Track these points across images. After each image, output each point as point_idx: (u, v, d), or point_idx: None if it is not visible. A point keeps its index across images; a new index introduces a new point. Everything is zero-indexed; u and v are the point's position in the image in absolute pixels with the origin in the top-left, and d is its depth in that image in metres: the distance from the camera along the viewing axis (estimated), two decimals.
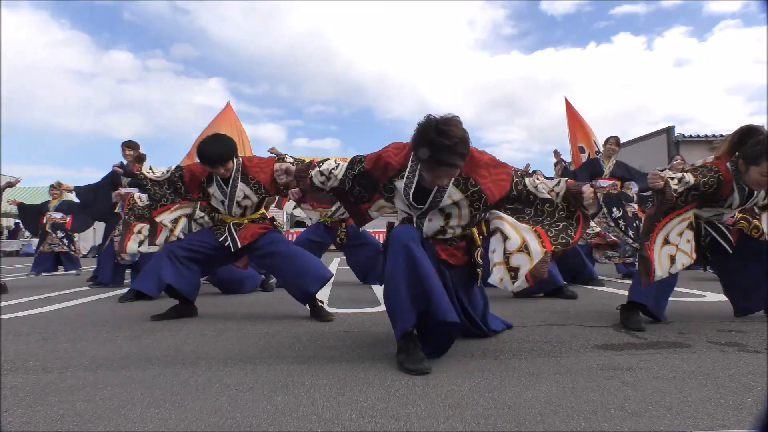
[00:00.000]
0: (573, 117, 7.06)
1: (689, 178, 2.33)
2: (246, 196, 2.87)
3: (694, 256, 2.39)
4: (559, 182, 2.01)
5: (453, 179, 1.88)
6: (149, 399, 1.40)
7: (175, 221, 2.97)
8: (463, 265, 2.08)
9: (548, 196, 2.01)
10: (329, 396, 1.41)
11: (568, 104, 7.14)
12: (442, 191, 1.90)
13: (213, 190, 2.87)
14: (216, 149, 2.70)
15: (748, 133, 2.36)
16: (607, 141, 5.31)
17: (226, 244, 2.88)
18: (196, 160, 2.82)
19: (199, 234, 3.04)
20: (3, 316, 3.04)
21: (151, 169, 2.95)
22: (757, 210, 2.57)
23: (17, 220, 21.54)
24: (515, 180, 1.97)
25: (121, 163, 4.62)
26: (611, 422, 1.19)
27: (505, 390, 1.45)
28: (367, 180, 2.06)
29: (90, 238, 15.87)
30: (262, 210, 3.03)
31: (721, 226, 2.55)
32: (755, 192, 2.41)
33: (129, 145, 4.97)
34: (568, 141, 7.07)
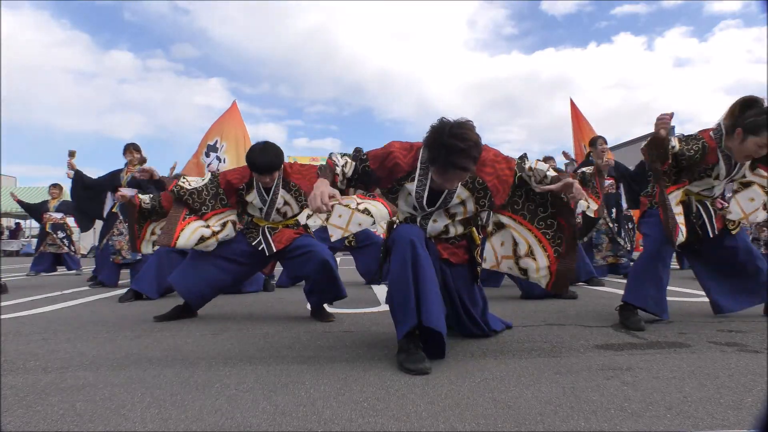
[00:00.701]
0: (577, 118, 7.13)
1: (675, 142, 2.40)
2: (286, 203, 2.83)
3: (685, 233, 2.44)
4: (546, 174, 1.97)
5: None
6: (149, 399, 1.40)
7: (224, 225, 2.85)
8: (464, 263, 2.09)
9: (538, 189, 2.01)
10: (329, 396, 1.41)
11: (573, 105, 7.24)
12: (452, 193, 1.91)
13: (252, 197, 2.81)
14: (267, 158, 2.62)
15: (748, 104, 2.32)
16: (595, 142, 5.19)
17: (260, 248, 2.81)
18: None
19: (228, 240, 2.89)
20: (3, 316, 3.04)
21: (185, 178, 2.88)
22: (735, 187, 2.57)
23: (18, 220, 21.59)
24: (518, 174, 1.99)
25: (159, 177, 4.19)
26: (611, 422, 1.19)
27: (505, 390, 1.45)
28: (369, 179, 2.01)
29: (90, 238, 15.87)
30: (297, 218, 2.98)
31: (710, 206, 2.56)
32: (738, 165, 2.43)
33: (136, 148, 4.97)
34: (570, 141, 7.15)
